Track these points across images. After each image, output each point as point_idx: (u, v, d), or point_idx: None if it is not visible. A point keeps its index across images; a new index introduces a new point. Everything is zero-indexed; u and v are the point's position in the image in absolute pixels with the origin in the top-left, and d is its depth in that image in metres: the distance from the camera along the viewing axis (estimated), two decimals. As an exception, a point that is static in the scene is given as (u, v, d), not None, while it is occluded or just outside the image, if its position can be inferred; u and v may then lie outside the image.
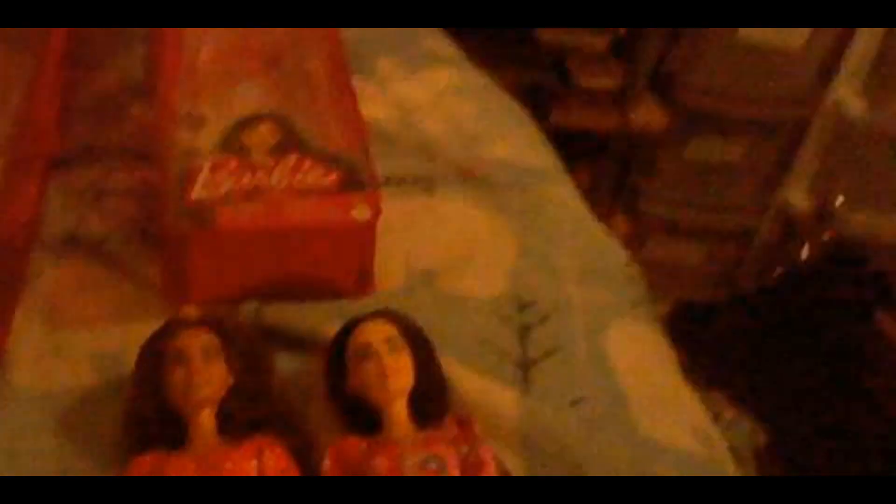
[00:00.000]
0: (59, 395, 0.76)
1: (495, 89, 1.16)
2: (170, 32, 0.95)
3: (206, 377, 0.70)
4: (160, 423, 0.71)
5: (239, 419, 0.72)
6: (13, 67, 0.93)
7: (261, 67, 0.96)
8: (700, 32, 1.77)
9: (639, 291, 0.92)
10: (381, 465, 0.66)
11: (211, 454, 0.68)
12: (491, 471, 0.67)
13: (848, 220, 1.84)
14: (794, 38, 1.76)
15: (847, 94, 1.82)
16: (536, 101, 1.62)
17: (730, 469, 0.81)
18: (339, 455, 0.69)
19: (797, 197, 1.93)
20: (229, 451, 0.68)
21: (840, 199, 1.84)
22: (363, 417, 0.72)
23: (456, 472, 0.66)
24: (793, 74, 1.81)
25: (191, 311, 0.77)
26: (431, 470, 0.65)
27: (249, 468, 0.67)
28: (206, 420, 0.71)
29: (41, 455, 0.72)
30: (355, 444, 0.69)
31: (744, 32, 1.73)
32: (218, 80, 0.93)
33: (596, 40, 1.79)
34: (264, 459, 0.68)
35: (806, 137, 1.89)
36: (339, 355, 0.75)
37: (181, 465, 0.67)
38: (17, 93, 0.89)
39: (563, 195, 0.99)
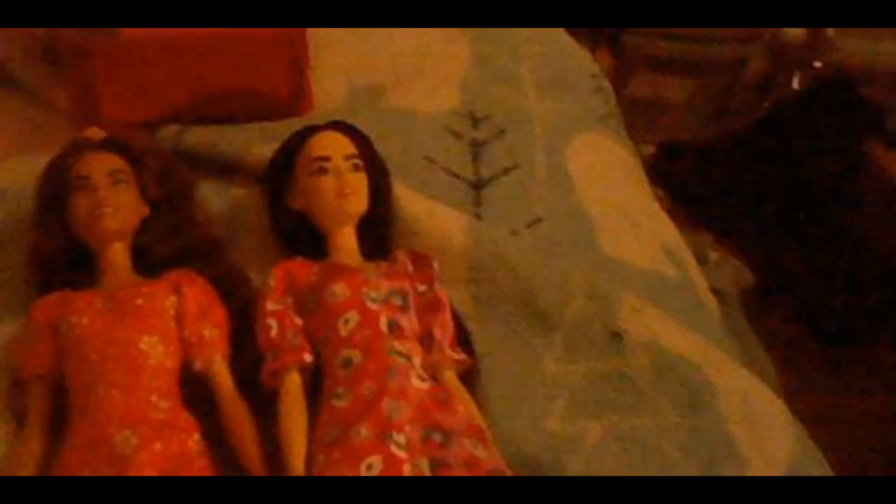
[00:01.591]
0: (-42, 234, 0.69)
1: None
2: None
3: (115, 205, 0.63)
4: (66, 259, 0.64)
5: (155, 254, 0.65)
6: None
7: None
8: None
9: (607, 104, 0.84)
10: (341, 292, 0.60)
11: (121, 290, 0.61)
12: (446, 312, 0.62)
13: (840, 48, 1.75)
14: None
15: None
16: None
17: (701, 293, 0.74)
18: (285, 274, 0.62)
19: (789, 25, 1.83)
20: (141, 285, 0.61)
21: (833, 26, 1.74)
22: (304, 243, 0.65)
23: (413, 310, 0.61)
24: None
25: (95, 132, 0.68)
26: (393, 305, 0.60)
27: (165, 304, 0.61)
28: (117, 254, 0.64)
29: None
30: (305, 267, 0.63)
31: None
32: None
33: None
34: (184, 294, 0.61)
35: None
36: (285, 167, 0.67)
37: (88, 303, 0.60)
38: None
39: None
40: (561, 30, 0.89)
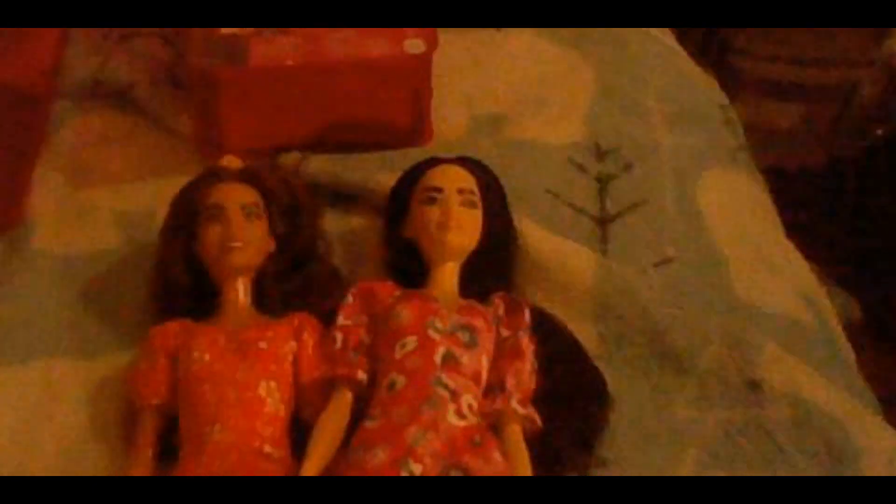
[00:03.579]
0: (82, 259, 0.69)
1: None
2: None
3: (246, 240, 0.63)
4: (190, 287, 0.64)
5: (277, 294, 0.65)
6: None
7: None
8: None
9: (738, 138, 0.80)
10: (405, 316, 0.59)
11: (245, 330, 0.61)
12: (525, 362, 0.59)
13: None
14: None
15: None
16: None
17: (839, 341, 0.70)
18: (364, 292, 0.62)
19: (906, 48, 1.77)
20: (265, 327, 0.61)
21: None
22: (412, 272, 0.64)
23: (485, 350, 0.59)
24: None
25: (233, 161, 0.67)
26: (458, 339, 0.58)
27: (286, 350, 0.60)
28: (240, 289, 0.63)
29: (61, 326, 0.65)
30: (389, 289, 0.62)
31: None
32: None
33: None
34: (304, 340, 0.61)
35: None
36: (403, 197, 0.66)
37: (211, 339, 0.60)
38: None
39: (649, 27, 0.85)
40: (686, 57, 0.86)
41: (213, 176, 0.65)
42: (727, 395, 0.62)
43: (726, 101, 0.84)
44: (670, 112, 0.78)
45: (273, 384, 0.59)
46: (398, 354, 0.57)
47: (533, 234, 0.68)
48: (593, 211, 0.71)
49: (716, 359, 0.62)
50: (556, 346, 0.62)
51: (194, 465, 0.56)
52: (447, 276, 0.63)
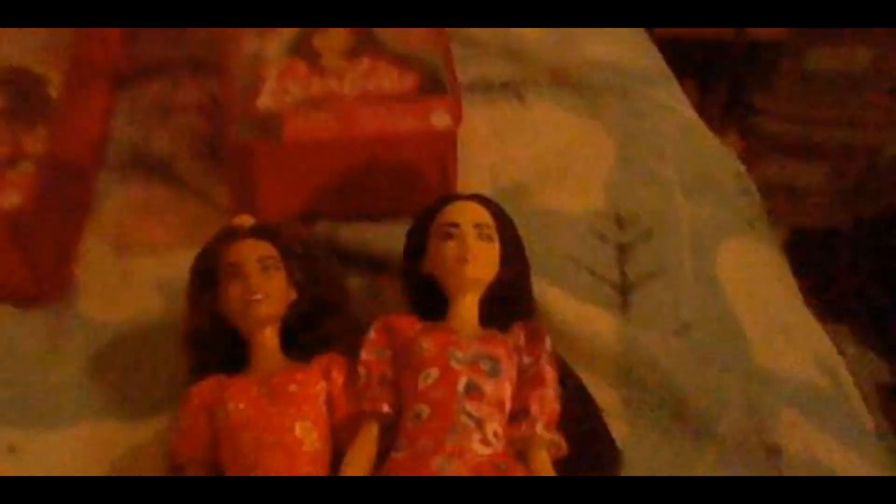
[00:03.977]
0: (126, 326, 0.73)
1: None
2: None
3: (266, 291, 0.64)
4: (219, 344, 0.66)
5: (304, 337, 0.66)
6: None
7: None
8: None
9: (754, 206, 0.82)
10: (427, 348, 0.60)
11: (274, 375, 0.62)
12: (548, 388, 0.60)
13: None
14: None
15: None
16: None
17: (857, 405, 0.71)
18: (387, 326, 0.63)
19: (930, 109, 1.77)
20: (294, 371, 0.63)
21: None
22: (432, 305, 0.65)
23: (508, 378, 0.59)
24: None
25: (245, 219, 0.69)
26: (479, 369, 0.59)
27: (317, 389, 0.62)
28: (268, 339, 0.65)
29: (107, 390, 0.69)
30: (410, 323, 0.63)
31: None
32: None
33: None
34: (333, 379, 0.62)
35: (942, 42, 1.71)
36: (420, 234, 0.67)
37: (243, 389, 0.62)
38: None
39: (667, 99, 0.88)
40: (704, 127, 0.88)
41: (229, 236, 0.67)
42: (747, 460, 0.63)
43: (742, 169, 0.86)
44: (688, 181, 0.80)
45: (308, 424, 0.60)
46: (422, 386, 0.58)
47: (556, 300, 0.70)
48: (614, 278, 0.73)
49: (735, 424, 0.64)
50: (571, 402, 0.62)
51: None
52: (467, 309, 0.63)
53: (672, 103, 0.88)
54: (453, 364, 0.59)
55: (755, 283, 0.75)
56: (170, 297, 0.74)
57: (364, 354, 0.62)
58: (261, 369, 0.64)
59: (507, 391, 0.59)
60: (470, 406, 0.57)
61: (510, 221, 0.68)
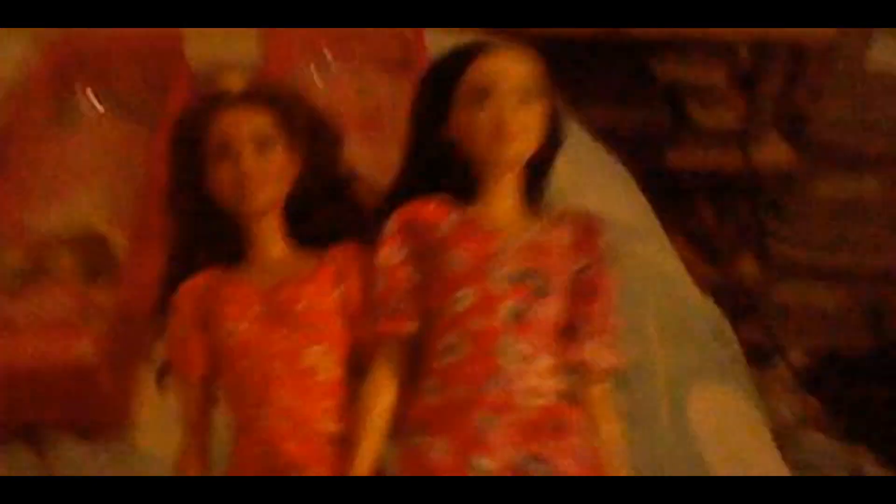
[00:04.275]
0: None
1: (584, 135, 1.10)
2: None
3: (262, 177, 0.54)
4: (208, 230, 0.57)
5: (312, 221, 0.57)
6: (132, 138, 0.96)
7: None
8: (825, 61, 1.69)
9: (728, 349, 0.88)
10: (463, 261, 0.49)
11: (280, 288, 0.54)
12: (602, 301, 0.52)
13: None
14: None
15: None
16: (651, 141, 1.58)
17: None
18: (409, 220, 0.52)
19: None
20: (303, 282, 0.54)
21: None
22: (452, 181, 0.54)
23: (560, 293, 0.50)
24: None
25: (233, 80, 0.57)
26: (525, 288, 0.49)
27: (329, 303, 0.54)
28: (268, 229, 0.56)
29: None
30: (439, 213, 0.51)
31: (870, 59, 1.64)
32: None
33: (714, 74, 1.72)
34: (348, 286, 0.54)
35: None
36: (443, 86, 0.53)
37: (242, 301, 0.53)
38: (138, 164, 0.92)
39: (653, 254, 0.95)
40: (686, 277, 0.95)
41: (216, 101, 0.57)
42: None
43: (719, 314, 0.92)
44: (667, 331, 0.87)
45: (321, 347, 0.53)
46: (455, 310, 0.49)
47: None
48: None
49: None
50: None
51: (250, 452, 0.53)
52: (505, 189, 0.52)
53: (657, 257, 0.94)
54: (494, 285, 0.48)
55: (727, 430, 0.80)
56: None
57: (382, 257, 0.52)
58: (261, 262, 0.55)
59: (557, 310, 0.50)
60: (515, 339, 0.48)
61: (549, 83, 0.54)
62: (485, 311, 0.48)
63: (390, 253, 0.52)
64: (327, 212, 0.57)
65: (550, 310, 0.49)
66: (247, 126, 0.54)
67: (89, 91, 1.02)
